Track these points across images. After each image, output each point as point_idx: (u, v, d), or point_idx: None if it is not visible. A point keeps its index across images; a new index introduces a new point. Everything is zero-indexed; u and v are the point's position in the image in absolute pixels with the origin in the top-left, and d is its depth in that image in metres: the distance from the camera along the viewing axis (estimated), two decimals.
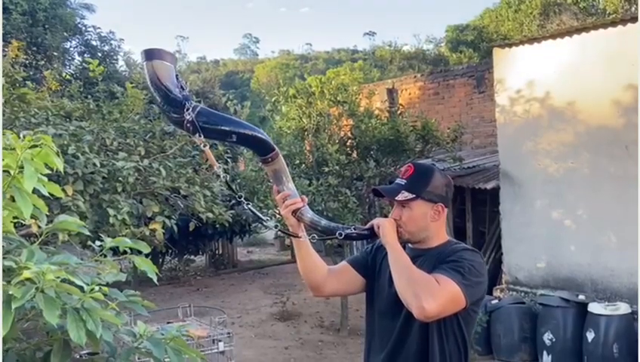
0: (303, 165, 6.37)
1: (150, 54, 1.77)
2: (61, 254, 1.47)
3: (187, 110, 1.73)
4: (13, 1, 9.29)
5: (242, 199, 1.86)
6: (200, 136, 1.74)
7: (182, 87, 1.80)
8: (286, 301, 7.69)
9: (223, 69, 40.00)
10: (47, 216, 1.46)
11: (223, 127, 1.80)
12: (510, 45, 5.94)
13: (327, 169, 5.97)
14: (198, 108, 1.75)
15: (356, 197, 6.13)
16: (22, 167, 1.27)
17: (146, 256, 1.54)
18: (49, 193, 1.39)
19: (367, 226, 1.91)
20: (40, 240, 1.51)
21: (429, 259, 1.83)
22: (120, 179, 4.31)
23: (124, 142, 5.01)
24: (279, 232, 2.04)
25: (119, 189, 4.33)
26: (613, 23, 5.19)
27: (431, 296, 1.63)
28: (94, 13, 12.06)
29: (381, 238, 1.84)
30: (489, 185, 6.35)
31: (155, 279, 1.53)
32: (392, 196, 1.87)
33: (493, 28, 18.20)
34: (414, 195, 1.84)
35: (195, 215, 5.04)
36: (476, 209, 7.32)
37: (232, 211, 5.56)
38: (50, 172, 1.35)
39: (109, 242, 1.52)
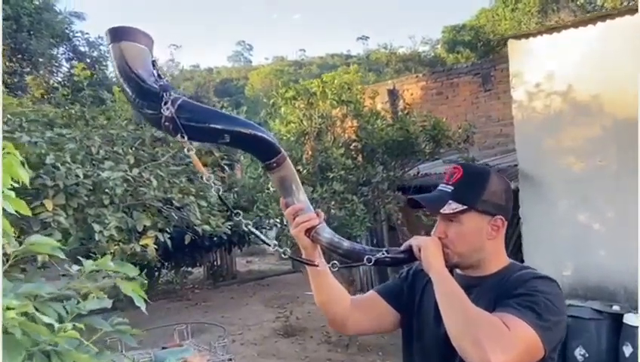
0: (305, 171, 5.94)
1: (118, 33, 1.34)
2: (31, 282, 1.22)
3: (165, 104, 1.30)
4: None
5: (240, 218, 1.44)
6: (183, 136, 1.31)
7: (159, 75, 1.37)
8: (289, 315, 7.26)
9: (217, 77, 39.76)
10: (25, 235, 1.20)
11: (212, 125, 1.36)
12: (527, 36, 5.51)
13: (331, 174, 5.55)
14: (179, 102, 1.32)
15: (363, 204, 5.70)
16: None
17: (141, 269, 1.37)
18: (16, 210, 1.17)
19: (404, 248, 1.47)
20: (6, 266, 1.24)
21: (486, 291, 1.40)
22: (107, 190, 3.99)
23: (112, 150, 4.68)
24: (291, 259, 1.61)
25: (106, 202, 4.03)
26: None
27: (499, 345, 1.20)
28: (84, 21, 11.70)
29: (424, 264, 1.41)
30: None
31: (143, 307, 1.30)
32: (437, 208, 1.43)
33: (490, 27, 17.92)
34: (466, 206, 1.41)
35: (191, 227, 4.69)
36: None
37: (231, 223, 5.19)
38: (17, 185, 1.17)
39: (89, 265, 1.29)
